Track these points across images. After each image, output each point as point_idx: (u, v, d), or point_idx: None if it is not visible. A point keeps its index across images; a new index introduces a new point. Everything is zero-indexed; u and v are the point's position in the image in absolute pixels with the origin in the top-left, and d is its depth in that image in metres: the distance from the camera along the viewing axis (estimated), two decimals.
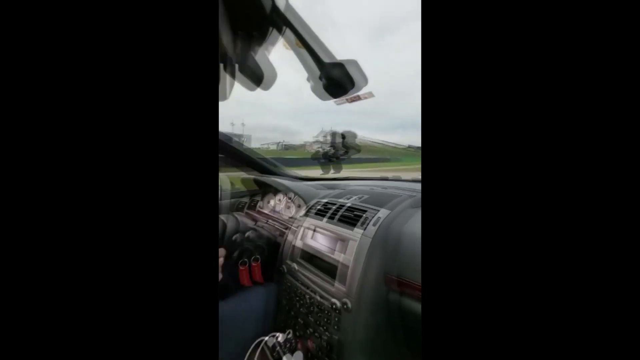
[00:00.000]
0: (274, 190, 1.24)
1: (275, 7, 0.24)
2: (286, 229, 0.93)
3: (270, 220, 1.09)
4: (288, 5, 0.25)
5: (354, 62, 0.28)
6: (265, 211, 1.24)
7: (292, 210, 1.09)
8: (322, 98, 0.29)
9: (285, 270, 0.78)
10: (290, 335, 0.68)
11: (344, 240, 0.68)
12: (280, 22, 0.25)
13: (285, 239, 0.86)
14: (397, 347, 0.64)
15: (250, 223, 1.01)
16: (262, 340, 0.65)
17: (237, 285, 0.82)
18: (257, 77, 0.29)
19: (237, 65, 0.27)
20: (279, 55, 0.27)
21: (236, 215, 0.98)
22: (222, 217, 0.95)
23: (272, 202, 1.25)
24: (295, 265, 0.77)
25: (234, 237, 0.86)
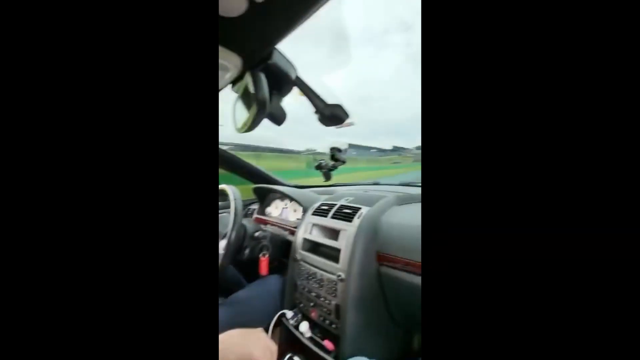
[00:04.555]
0: (279, 198, 1.47)
1: (297, 77, 0.45)
2: (293, 229, 1.14)
3: (277, 223, 1.31)
4: (298, 76, 0.45)
5: (339, 105, 0.44)
6: (274, 215, 1.46)
7: (298, 214, 1.30)
8: (325, 125, 0.46)
9: (299, 257, 1.01)
10: (297, 310, 0.96)
11: (337, 231, 0.91)
12: (297, 83, 0.45)
13: (296, 234, 1.08)
14: (379, 304, 0.86)
15: (261, 226, 1.19)
16: (282, 314, 0.92)
17: (249, 274, 1.11)
18: (279, 119, 0.47)
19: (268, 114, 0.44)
20: (294, 100, 0.47)
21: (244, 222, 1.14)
22: (244, 221, 1.14)
23: (277, 208, 1.47)
24: (305, 253, 0.99)
25: (256, 234, 1.08)
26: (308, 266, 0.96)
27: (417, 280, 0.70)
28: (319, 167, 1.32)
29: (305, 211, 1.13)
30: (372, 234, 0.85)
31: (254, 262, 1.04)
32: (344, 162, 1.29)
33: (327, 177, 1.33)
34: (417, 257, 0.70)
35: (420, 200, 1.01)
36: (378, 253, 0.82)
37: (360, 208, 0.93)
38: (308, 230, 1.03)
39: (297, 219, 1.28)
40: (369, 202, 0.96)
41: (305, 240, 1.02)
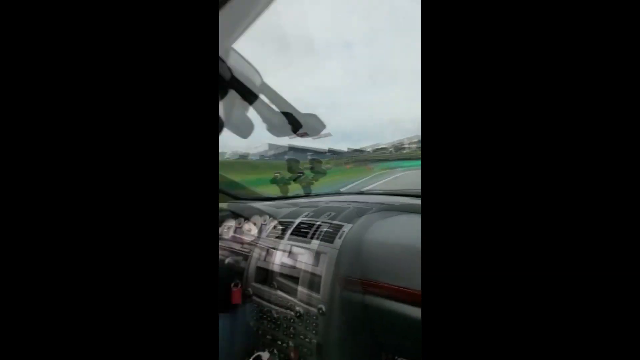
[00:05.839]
0: (257, 212, 1.29)
1: (262, 83, 0.40)
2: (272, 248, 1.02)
3: (254, 243, 1.14)
4: (263, 82, 0.40)
5: (313, 115, 0.43)
6: (252, 234, 1.26)
7: (277, 231, 1.14)
8: (275, 135, 0.45)
9: (276, 286, 0.85)
10: (273, 352, 0.79)
11: (317, 255, 0.79)
12: (263, 90, 0.40)
13: (265, 259, 0.92)
14: (366, 340, 0.75)
15: (237, 247, 1.06)
16: (258, 356, 0.76)
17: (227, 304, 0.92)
18: (244, 131, 0.42)
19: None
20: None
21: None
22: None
23: (256, 224, 1.26)
24: (282, 281, 0.84)
25: (226, 261, 0.95)
26: (284, 296, 0.81)
27: (409, 310, 0.61)
28: (274, 182, 1.26)
29: (284, 229, 0.98)
30: (356, 257, 0.75)
31: (227, 293, 0.90)
32: (301, 174, 1.25)
33: (285, 190, 1.31)
34: (407, 283, 0.63)
35: (404, 211, 0.93)
36: (362, 279, 0.71)
37: (342, 226, 0.83)
38: (281, 255, 0.89)
39: (277, 237, 1.14)
40: (349, 217, 0.87)
41: (283, 265, 0.87)
